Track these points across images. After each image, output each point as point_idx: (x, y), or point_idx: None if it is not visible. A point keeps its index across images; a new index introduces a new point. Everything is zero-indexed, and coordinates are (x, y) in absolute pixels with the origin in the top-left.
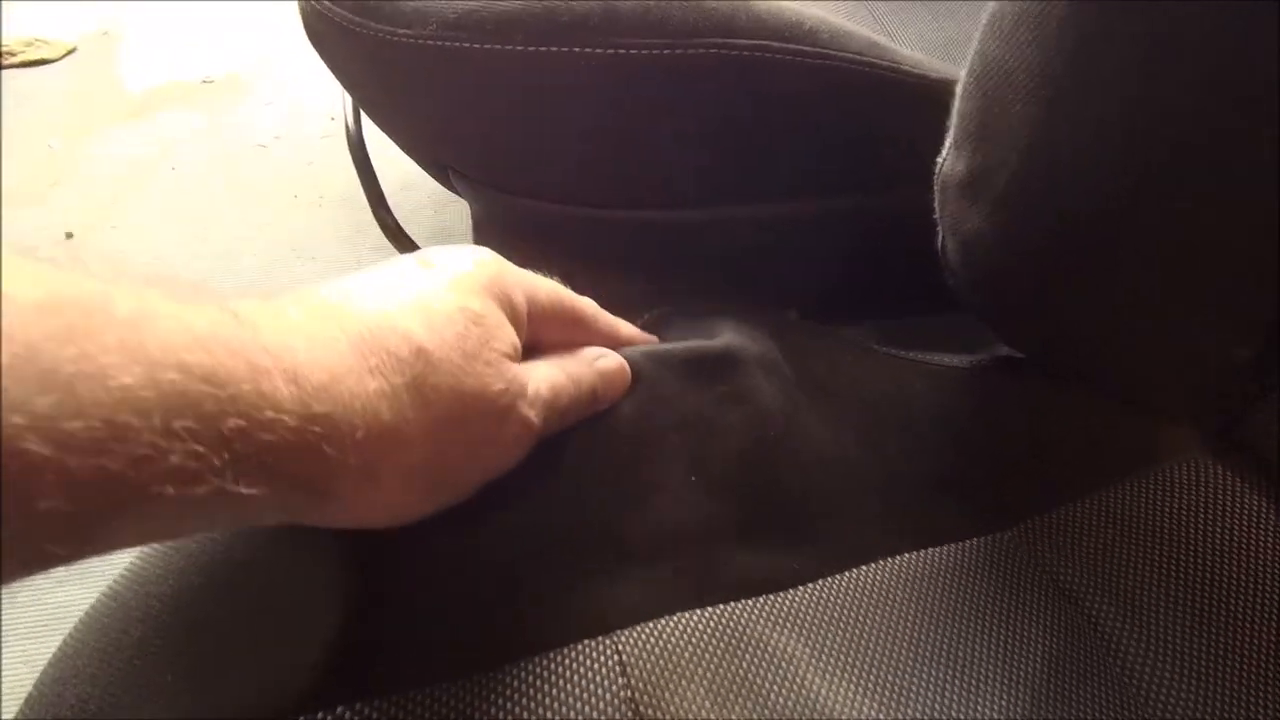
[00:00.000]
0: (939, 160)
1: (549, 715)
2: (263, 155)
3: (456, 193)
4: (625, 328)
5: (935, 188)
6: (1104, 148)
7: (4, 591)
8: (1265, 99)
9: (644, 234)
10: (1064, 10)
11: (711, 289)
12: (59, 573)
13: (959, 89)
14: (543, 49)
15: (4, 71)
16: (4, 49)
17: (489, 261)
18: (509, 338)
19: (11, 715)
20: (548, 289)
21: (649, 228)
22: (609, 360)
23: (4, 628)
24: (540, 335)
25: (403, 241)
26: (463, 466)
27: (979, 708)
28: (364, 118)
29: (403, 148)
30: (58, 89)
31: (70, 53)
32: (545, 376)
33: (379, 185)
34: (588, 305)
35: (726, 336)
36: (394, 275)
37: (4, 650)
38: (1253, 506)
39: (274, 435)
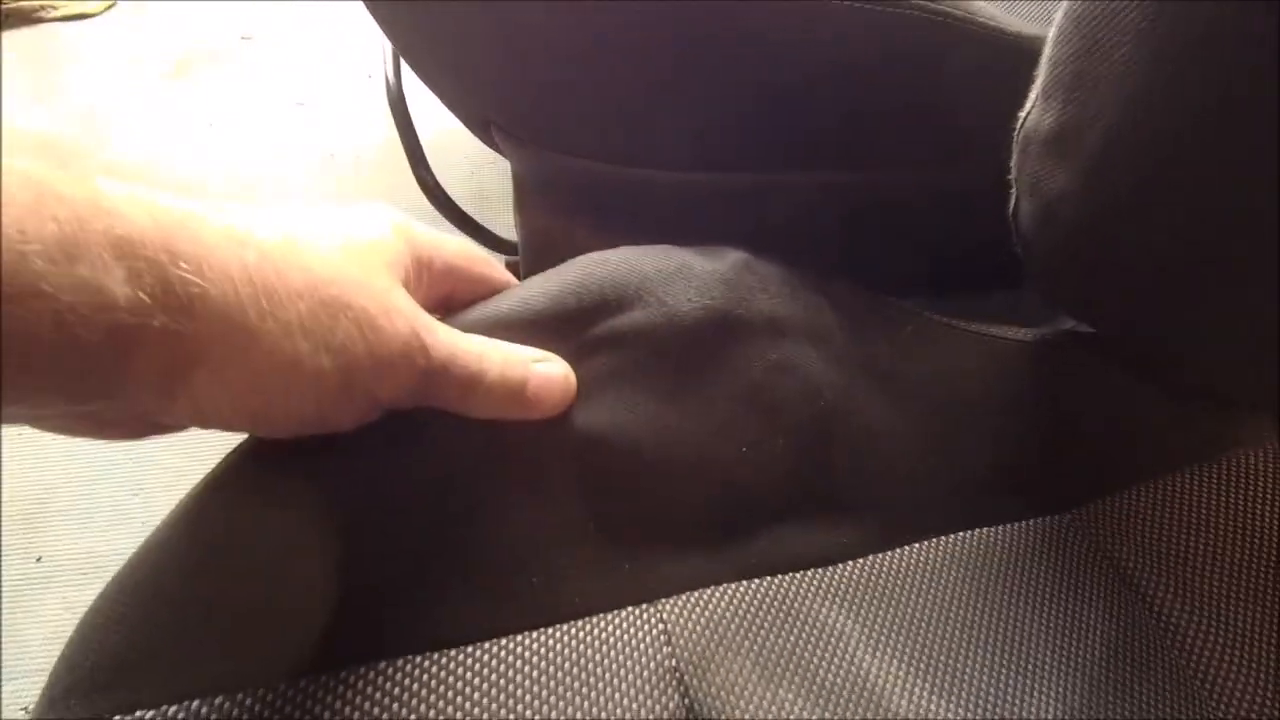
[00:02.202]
0: (1021, 115)
1: (592, 680)
2: (300, 113)
3: (499, 150)
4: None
5: (1015, 145)
6: (1221, 103)
7: (50, 538)
8: None
9: (696, 198)
10: None
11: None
12: (102, 520)
13: (1052, 32)
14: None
15: (47, 25)
16: (46, 1)
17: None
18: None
19: (52, 659)
20: (455, 245)
21: (701, 191)
22: (552, 366)
23: (48, 573)
24: (448, 290)
25: (440, 200)
26: (331, 369)
27: (1035, 695)
28: (404, 73)
29: (446, 102)
30: (99, 45)
31: (111, 7)
32: (465, 342)
33: (419, 142)
34: (491, 263)
35: (775, 303)
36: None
37: (48, 595)
38: None
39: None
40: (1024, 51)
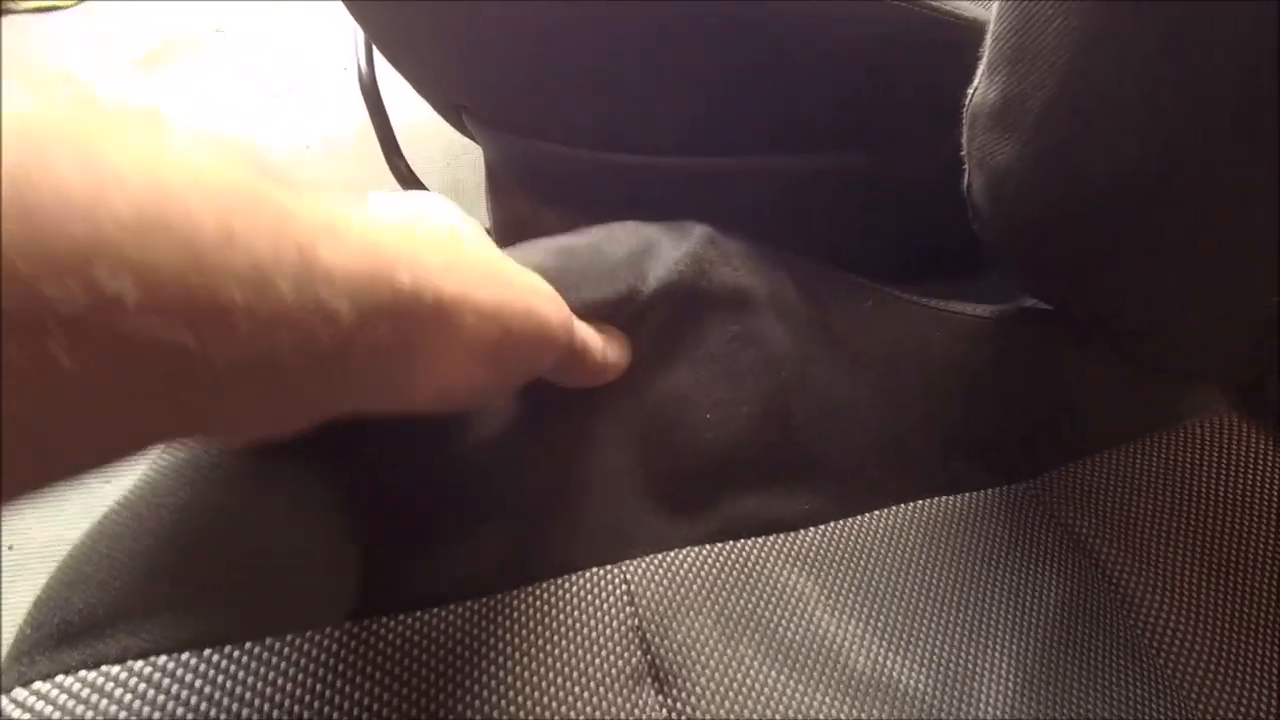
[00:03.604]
0: (969, 91)
1: (556, 639)
2: (274, 105)
3: (471, 137)
4: None
5: (965, 121)
6: (1149, 69)
7: (20, 525)
8: None
9: (663, 182)
10: None
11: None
12: (73, 509)
13: (994, 8)
14: None
15: (18, 16)
16: None
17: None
18: None
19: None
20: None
21: (668, 175)
22: (620, 345)
23: (19, 561)
24: None
25: (416, 189)
26: (514, 358)
27: (990, 652)
28: (377, 62)
29: (417, 88)
30: (70, 38)
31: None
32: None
33: (392, 130)
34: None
35: (738, 275)
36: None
37: (19, 582)
38: (1276, 463)
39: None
40: (979, 34)
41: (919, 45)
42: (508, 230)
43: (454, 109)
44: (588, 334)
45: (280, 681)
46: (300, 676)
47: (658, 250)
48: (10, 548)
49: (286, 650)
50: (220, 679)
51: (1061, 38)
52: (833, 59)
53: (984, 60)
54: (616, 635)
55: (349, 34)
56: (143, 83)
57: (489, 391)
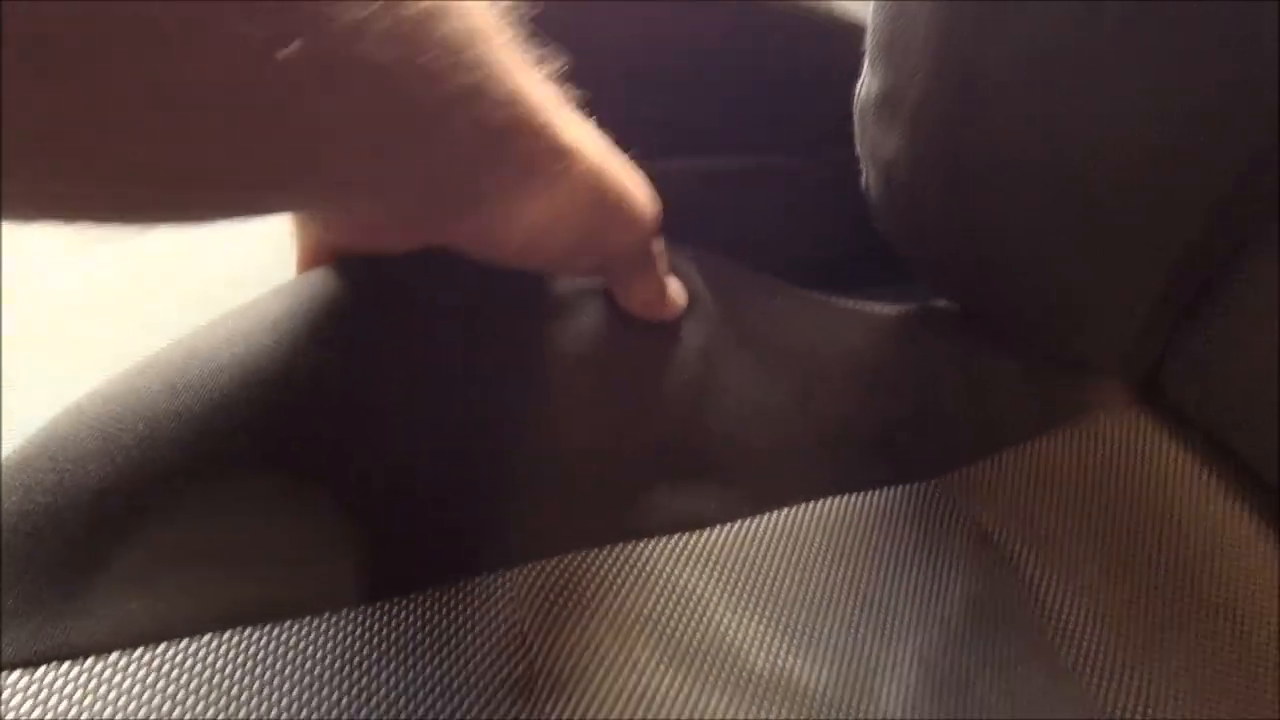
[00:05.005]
0: (858, 86)
1: (436, 647)
2: None
3: None
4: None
5: (855, 117)
6: (1014, 55)
7: None
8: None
9: None
10: None
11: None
12: None
13: (871, 5)
14: None
15: None
16: None
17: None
18: None
19: None
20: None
21: None
22: (678, 284)
23: None
24: None
25: None
26: (607, 223)
27: (892, 647)
28: None
29: None
30: None
31: None
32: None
33: None
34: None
35: None
36: None
37: None
38: (1175, 456)
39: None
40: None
41: (803, 46)
42: None
43: None
44: (663, 249)
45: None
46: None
47: None
48: None
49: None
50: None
51: (930, 25)
52: (725, 61)
53: (866, 55)
54: (500, 644)
55: None
56: None
57: (571, 259)
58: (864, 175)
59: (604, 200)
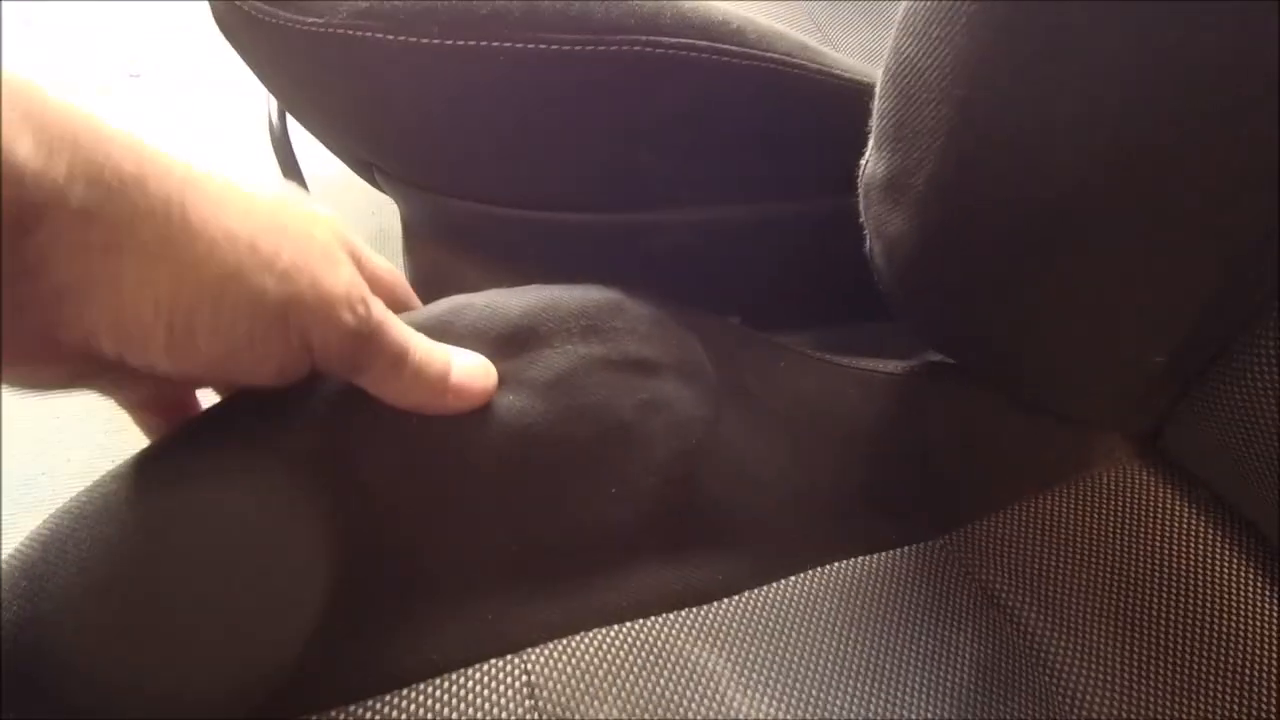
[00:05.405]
0: (862, 162)
1: None
2: (196, 153)
3: (385, 192)
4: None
5: (860, 190)
6: (1014, 152)
7: None
8: (1187, 100)
9: (573, 237)
10: (973, 8)
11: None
12: None
13: (878, 88)
14: (460, 43)
15: None
16: None
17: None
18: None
19: None
20: (384, 261)
21: (578, 230)
22: (471, 359)
23: None
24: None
25: None
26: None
27: (904, 718)
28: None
29: (326, 145)
30: None
31: None
32: (394, 319)
33: (304, 181)
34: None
35: (643, 346)
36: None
37: None
38: (1179, 512)
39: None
40: (859, 93)
41: (803, 102)
42: (427, 285)
43: (364, 166)
44: (410, 335)
45: None
46: None
47: (558, 315)
48: None
49: None
50: None
51: (938, 121)
52: (725, 115)
53: (872, 135)
54: None
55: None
56: None
57: (244, 362)
58: (868, 243)
59: (247, 280)
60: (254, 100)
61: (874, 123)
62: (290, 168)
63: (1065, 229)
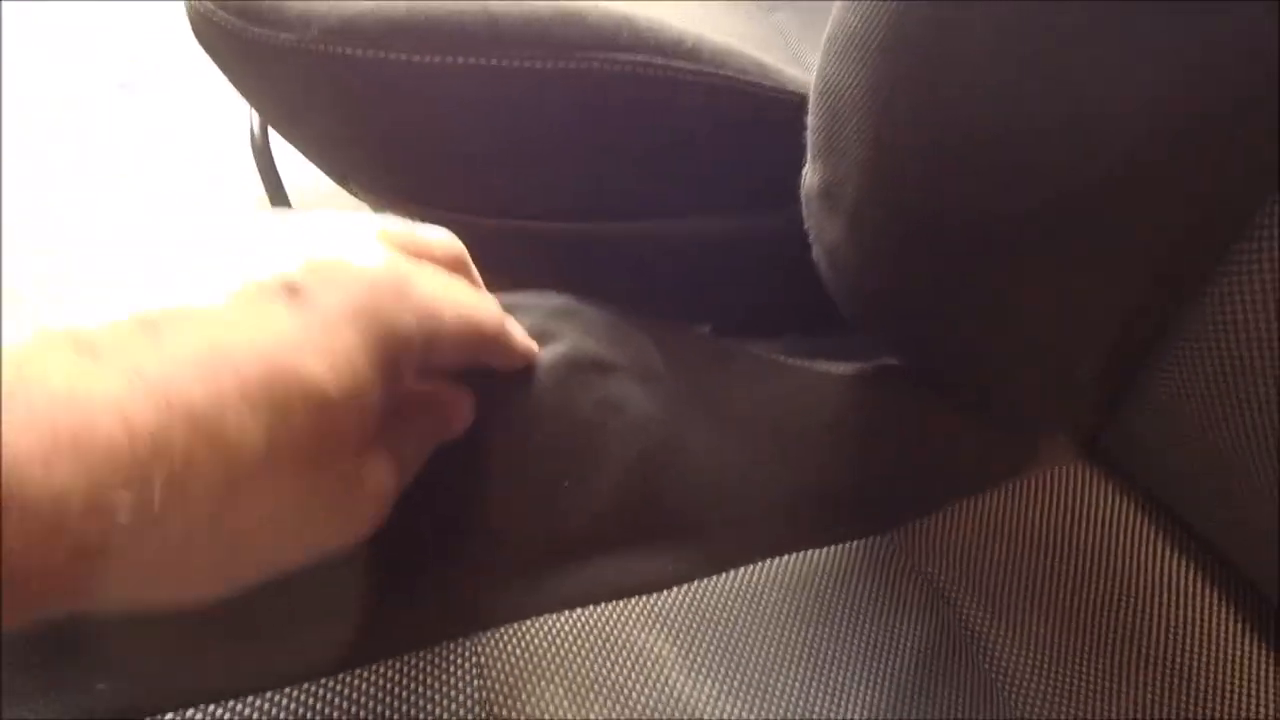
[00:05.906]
0: (804, 172)
1: (399, 719)
2: (179, 166)
3: (362, 200)
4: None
5: (802, 199)
6: (930, 166)
7: None
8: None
9: (541, 246)
10: (883, 34)
11: (620, 304)
12: None
13: (810, 104)
14: (428, 59)
15: None
16: None
17: (381, 283)
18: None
19: None
20: (455, 315)
21: (545, 239)
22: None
23: None
24: (437, 362)
25: None
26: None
27: (844, 705)
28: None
29: (305, 156)
30: None
31: None
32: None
33: (286, 196)
34: (496, 325)
35: (599, 346)
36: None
37: None
38: (1117, 510)
39: None
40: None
41: (756, 116)
42: None
43: (339, 177)
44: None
45: None
46: None
47: (515, 312)
48: None
49: None
50: None
51: (861, 134)
52: (680, 129)
53: (808, 146)
54: (461, 710)
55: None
56: (42, 138)
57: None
58: (814, 250)
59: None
60: (240, 112)
61: (808, 136)
62: (271, 179)
63: (988, 240)
